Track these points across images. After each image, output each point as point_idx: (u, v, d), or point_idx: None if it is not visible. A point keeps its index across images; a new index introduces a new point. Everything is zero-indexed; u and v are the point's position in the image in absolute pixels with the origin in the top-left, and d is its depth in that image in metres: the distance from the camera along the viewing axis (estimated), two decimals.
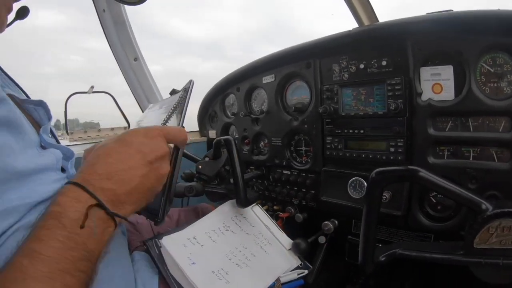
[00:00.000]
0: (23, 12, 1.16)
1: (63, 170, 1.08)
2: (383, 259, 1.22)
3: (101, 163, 0.87)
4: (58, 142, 1.23)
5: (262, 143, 2.30)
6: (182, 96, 1.20)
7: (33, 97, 1.17)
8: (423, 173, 1.14)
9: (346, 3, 1.73)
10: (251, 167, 2.31)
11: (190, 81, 1.28)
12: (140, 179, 0.89)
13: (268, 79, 2.13)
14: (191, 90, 1.25)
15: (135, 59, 2.44)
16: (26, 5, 1.15)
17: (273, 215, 2.09)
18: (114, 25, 2.30)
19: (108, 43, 2.38)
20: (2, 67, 1.17)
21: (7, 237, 0.78)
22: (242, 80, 2.31)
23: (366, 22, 1.78)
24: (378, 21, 1.81)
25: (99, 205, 0.80)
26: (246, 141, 2.35)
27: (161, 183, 0.97)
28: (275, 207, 2.20)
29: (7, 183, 0.80)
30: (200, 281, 1.21)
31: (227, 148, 1.55)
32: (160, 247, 1.30)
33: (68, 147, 1.17)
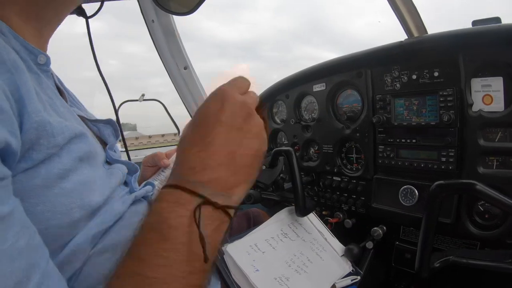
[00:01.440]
0: None
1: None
2: (438, 265, 1.33)
3: (187, 155, 0.79)
4: (128, 154, 1.34)
5: (312, 149, 2.39)
6: None
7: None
8: (480, 186, 1.23)
9: (396, 14, 1.78)
10: (301, 173, 2.36)
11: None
12: (237, 150, 0.80)
13: (318, 87, 2.21)
14: None
15: (185, 68, 2.54)
16: None
17: (322, 220, 2.14)
18: (164, 35, 2.39)
19: (158, 52, 2.48)
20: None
21: (84, 265, 0.83)
22: (292, 88, 2.40)
23: (415, 33, 1.83)
24: (427, 32, 1.85)
25: (206, 201, 0.71)
26: (296, 147, 2.44)
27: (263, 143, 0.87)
28: (323, 212, 2.29)
29: (90, 216, 0.85)
30: None
31: (288, 159, 1.64)
32: (223, 254, 1.35)
33: (132, 162, 1.25)
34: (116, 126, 1.24)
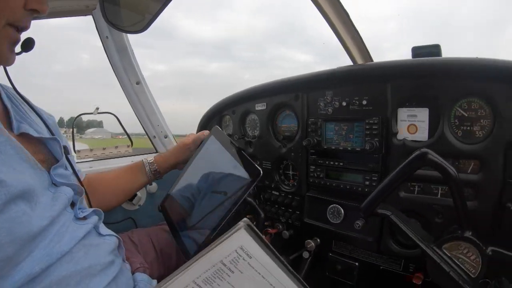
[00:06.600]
0: (27, 44, 1.06)
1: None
2: (379, 211, 1.29)
3: None
4: (75, 171, 1.24)
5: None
6: None
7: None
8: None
9: (342, 44, 1.73)
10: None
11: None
12: None
13: (260, 106, 2.14)
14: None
15: (137, 83, 2.42)
16: (32, 36, 1.06)
17: (263, 230, 2.10)
18: (117, 51, 2.28)
19: (112, 67, 2.36)
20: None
21: None
22: (238, 104, 2.32)
23: (359, 60, 1.79)
24: (371, 59, 1.81)
25: None
26: None
27: None
28: (265, 223, 2.20)
29: (27, 248, 0.85)
30: None
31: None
32: None
33: (78, 184, 1.17)
34: (60, 144, 1.15)
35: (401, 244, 1.59)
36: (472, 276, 1.16)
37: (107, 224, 1.30)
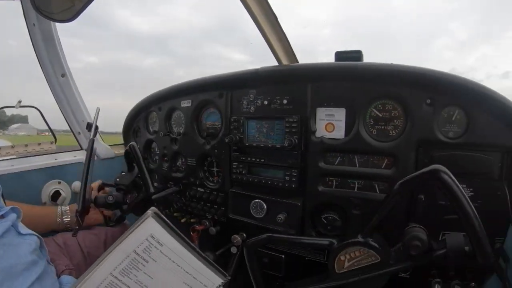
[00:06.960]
0: None
1: None
2: None
3: None
4: None
5: (180, 161, 2.21)
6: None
7: None
8: (276, 236, 1.48)
9: (268, 45, 1.67)
10: (170, 183, 2.24)
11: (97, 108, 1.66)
12: None
13: (186, 103, 2.07)
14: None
15: (63, 75, 2.24)
16: None
17: (190, 227, 2.07)
18: (43, 40, 2.10)
19: (37, 56, 2.17)
20: None
21: None
22: (164, 101, 2.23)
23: (284, 61, 1.76)
24: (297, 60, 1.80)
25: None
26: (165, 158, 2.26)
27: None
28: (192, 220, 2.15)
29: None
30: None
31: (132, 152, 1.74)
32: None
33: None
34: None
35: (322, 235, 1.62)
36: (378, 260, 1.23)
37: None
